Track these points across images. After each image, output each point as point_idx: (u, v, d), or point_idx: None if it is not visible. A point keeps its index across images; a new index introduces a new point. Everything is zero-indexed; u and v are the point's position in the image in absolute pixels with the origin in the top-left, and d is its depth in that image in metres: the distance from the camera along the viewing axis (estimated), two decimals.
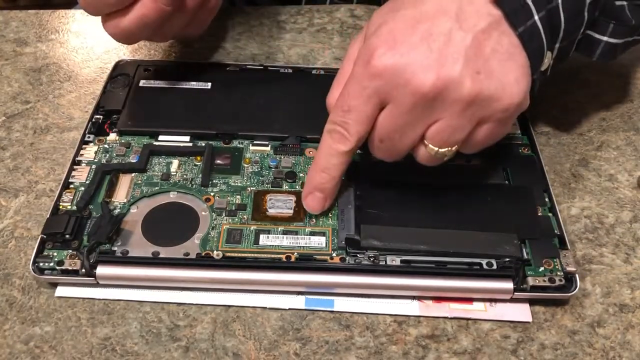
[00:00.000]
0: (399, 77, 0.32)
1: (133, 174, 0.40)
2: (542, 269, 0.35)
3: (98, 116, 0.44)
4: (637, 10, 0.38)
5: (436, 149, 0.33)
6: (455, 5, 0.32)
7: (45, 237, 0.36)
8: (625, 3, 0.38)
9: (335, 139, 0.35)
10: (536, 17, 0.33)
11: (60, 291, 0.35)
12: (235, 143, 0.43)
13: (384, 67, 0.32)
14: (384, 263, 0.35)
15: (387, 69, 0.32)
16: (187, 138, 0.42)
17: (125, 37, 0.41)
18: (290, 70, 0.48)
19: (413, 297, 0.36)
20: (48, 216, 0.37)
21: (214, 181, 0.40)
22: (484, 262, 0.35)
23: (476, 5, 0.32)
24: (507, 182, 0.40)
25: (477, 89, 0.31)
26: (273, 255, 0.36)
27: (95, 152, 0.41)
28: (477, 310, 0.35)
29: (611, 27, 0.38)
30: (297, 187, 0.40)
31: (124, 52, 0.52)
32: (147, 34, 0.41)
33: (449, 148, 0.33)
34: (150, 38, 0.43)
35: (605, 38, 0.38)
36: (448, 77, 0.31)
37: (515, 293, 0.35)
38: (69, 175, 0.40)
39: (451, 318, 0.35)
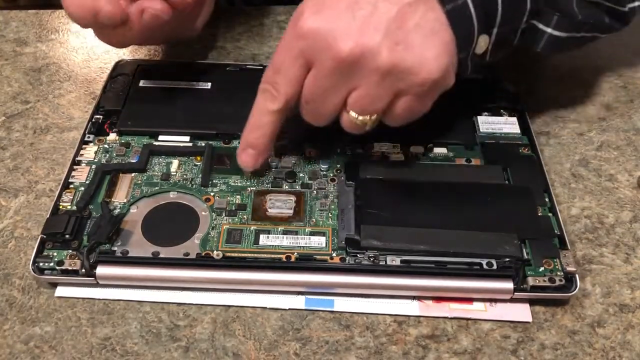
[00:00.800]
0: (322, 40, 0.33)
1: (133, 174, 0.40)
2: (542, 269, 0.35)
3: (98, 116, 0.44)
4: (583, 6, 0.38)
5: (356, 116, 0.34)
6: None
7: (45, 237, 0.36)
8: None
9: (266, 98, 0.36)
10: None
11: (60, 291, 0.35)
12: (235, 143, 0.43)
13: (308, 29, 0.33)
14: (384, 263, 0.35)
15: (311, 32, 0.33)
16: (187, 138, 0.42)
17: (115, 45, 0.43)
18: None
19: (413, 297, 0.36)
20: (48, 216, 0.37)
21: (214, 181, 0.40)
22: (484, 262, 0.35)
23: None
24: (507, 182, 0.40)
25: (394, 59, 0.32)
26: (273, 255, 0.36)
27: (95, 152, 0.41)
28: (477, 310, 0.35)
29: (555, 19, 0.38)
30: (297, 187, 0.40)
31: (124, 52, 0.52)
32: (136, 43, 0.43)
33: (369, 117, 0.35)
34: (142, 44, 0.44)
35: (549, 30, 0.38)
36: (366, 46, 0.32)
37: (515, 293, 0.35)
38: (69, 175, 0.40)
39: (451, 318, 0.35)
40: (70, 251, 0.35)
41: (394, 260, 0.35)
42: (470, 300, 0.36)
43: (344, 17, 0.32)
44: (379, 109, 0.34)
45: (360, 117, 0.35)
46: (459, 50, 0.34)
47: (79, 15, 0.39)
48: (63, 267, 0.35)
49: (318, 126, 0.37)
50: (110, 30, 0.40)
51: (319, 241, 0.37)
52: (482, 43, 0.36)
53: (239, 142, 0.42)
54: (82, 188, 0.39)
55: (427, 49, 0.32)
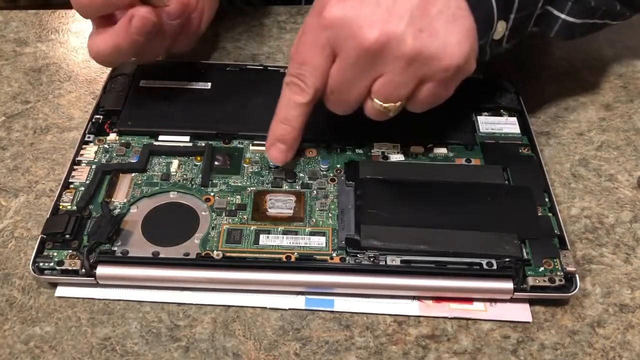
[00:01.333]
0: (347, 29, 0.33)
1: (133, 174, 0.40)
2: (542, 269, 0.35)
3: (98, 116, 0.44)
4: None
5: (381, 103, 0.35)
6: None
7: (45, 237, 0.36)
8: None
9: (293, 91, 0.36)
10: None
11: (60, 291, 0.35)
12: (235, 143, 0.43)
13: (333, 18, 0.33)
14: (384, 263, 0.35)
15: (337, 20, 0.33)
16: (187, 138, 0.42)
17: (102, 61, 0.41)
18: None
19: (413, 297, 0.36)
20: (48, 216, 0.37)
21: (214, 181, 0.40)
22: (484, 262, 0.35)
23: None
24: (507, 182, 0.40)
25: (419, 46, 0.32)
26: (273, 255, 0.36)
27: (95, 152, 0.41)
28: (477, 310, 0.35)
29: (569, 5, 0.39)
30: (297, 187, 0.40)
31: None
32: (125, 58, 0.42)
33: (394, 103, 0.35)
34: (135, 59, 0.44)
35: (563, 16, 0.39)
36: (391, 33, 0.32)
37: (515, 293, 0.35)
38: (69, 175, 0.40)
39: (451, 318, 0.35)
40: (70, 251, 0.35)
41: (394, 260, 0.35)
42: (470, 300, 0.36)
43: (368, 5, 0.33)
44: (403, 96, 0.35)
45: (385, 105, 0.35)
46: (480, 37, 0.34)
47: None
48: (63, 267, 0.35)
49: (341, 115, 0.37)
50: (110, 28, 0.39)
51: (319, 241, 0.37)
52: (500, 29, 0.36)
53: (239, 142, 0.42)
54: (82, 188, 0.39)
55: (450, 35, 0.33)
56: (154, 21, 0.39)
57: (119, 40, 0.39)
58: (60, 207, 0.38)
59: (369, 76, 0.34)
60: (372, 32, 0.32)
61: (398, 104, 0.35)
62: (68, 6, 0.40)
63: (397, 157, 0.42)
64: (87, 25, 0.54)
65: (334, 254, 0.36)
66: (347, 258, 0.36)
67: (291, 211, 0.38)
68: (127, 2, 0.38)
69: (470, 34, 0.34)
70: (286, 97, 0.37)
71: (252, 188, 0.40)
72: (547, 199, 0.39)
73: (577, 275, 0.35)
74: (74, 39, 0.53)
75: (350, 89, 0.35)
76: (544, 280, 0.35)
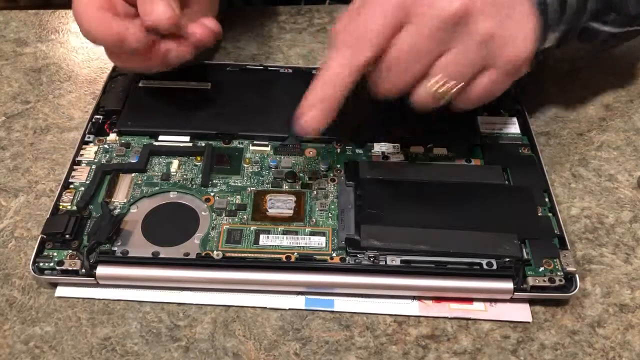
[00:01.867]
0: None
1: (133, 174, 0.40)
2: (542, 269, 0.35)
3: (98, 116, 0.44)
4: (635, 1, 0.39)
5: (438, 86, 0.33)
6: None
7: (45, 237, 0.36)
8: None
9: (350, 52, 0.33)
10: None
11: (60, 291, 0.35)
12: (235, 143, 0.43)
13: None
14: (384, 263, 0.35)
15: None
16: (187, 138, 0.42)
17: (130, 71, 0.44)
18: (290, 70, 0.48)
19: (413, 297, 0.36)
20: (48, 216, 0.37)
21: (214, 181, 0.40)
22: (484, 262, 0.35)
23: None
24: (507, 182, 0.40)
25: (495, 27, 0.32)
26: (273, 255, 0.36)
27: (95, 152, 0.41)
28: (477, 310, 0.35)
29: (612, 17, 0.39)
30: (297, 187, 0.40)
31: None
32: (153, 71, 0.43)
33: (449, 86, 0.33)
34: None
35: (606, 28, 0.40)
36: (472, 6, 0.31)
37: (515, 293, 0.35)
38: (69, 175, 0.40)
39: (451, 318, 0.35)
40: (70, 251, 0.35)
41: (394, 260, 0.35)
42: (470, 300, 0.36)
43: None
44: (464, 77, 0.33)
45: (442, 89, 0.33)
46: (538, 41, 0.34)
47: (102, 38, 0.37)
48: (63, 267, 0.35)
49: (388, 96, 0.34)
50: (128, 56, 0.39)
51: (319, 241, 0.37)
52: (548, 41, 0.37)
53: (239, 142, 0.42)
54: (82, 188, 0.39)
55: (520, 29, 0.33)
56: (190, 57, 0.40)
57: (154, 63, 0.40)
58: (60, 207, 0.38)
59: (438, 50, 0.32)
60: (453, 2, 0.31)
61: (454, 89, 0.33)
62: (68, 6, 0.40)
63: (397, 157, 0.42)
64: None
65: (334, 254, 0.36)
66: (347, 258, 0.36)
67: (291, 211, 0.38)
68: (144, 46, 0.38)
69: (535, 34, 0.33)
70: (341, 57, 0.33)
71: (252, 188, 0.40)
72: (547, 199, 0.39)
73: (577, 275, 0.35)
74: (74, 39, 0.53)
75: (414, 64, 0.32)
76: (544, 280, 0.35)
